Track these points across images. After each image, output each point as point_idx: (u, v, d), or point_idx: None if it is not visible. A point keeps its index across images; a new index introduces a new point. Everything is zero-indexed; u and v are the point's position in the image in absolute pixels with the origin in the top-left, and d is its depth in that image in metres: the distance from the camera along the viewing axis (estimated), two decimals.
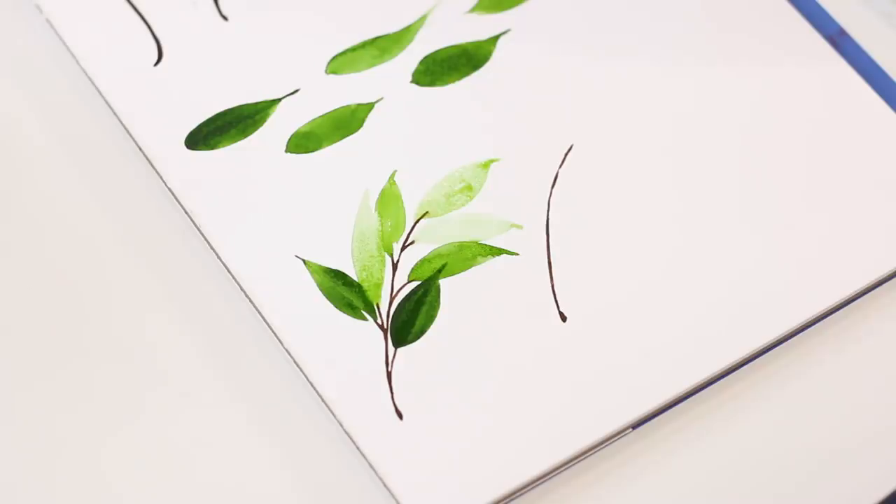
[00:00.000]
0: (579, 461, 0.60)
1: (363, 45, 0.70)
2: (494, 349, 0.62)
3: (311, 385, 0.61)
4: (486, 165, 0.67)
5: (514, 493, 0.59)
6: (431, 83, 0.69)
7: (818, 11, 0.72)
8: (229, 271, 0.64)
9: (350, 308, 0.63)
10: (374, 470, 0.60)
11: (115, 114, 0.68)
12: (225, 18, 0.71)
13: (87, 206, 0.66)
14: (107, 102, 0.68)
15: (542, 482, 0.60)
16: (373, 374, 0.61)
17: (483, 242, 0.65)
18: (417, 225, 0.65)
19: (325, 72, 0.70)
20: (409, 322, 0.63)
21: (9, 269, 0.64)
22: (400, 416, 0.60)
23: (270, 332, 0.63)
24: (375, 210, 0.65)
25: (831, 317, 0.64)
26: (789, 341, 0.63)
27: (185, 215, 0.65)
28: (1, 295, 0.64)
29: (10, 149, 0.67)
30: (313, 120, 0.68)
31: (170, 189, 0.66)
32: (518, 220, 0.65)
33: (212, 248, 0.64)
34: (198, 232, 0.65)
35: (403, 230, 0.65)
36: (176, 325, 0.63)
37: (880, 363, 0.63)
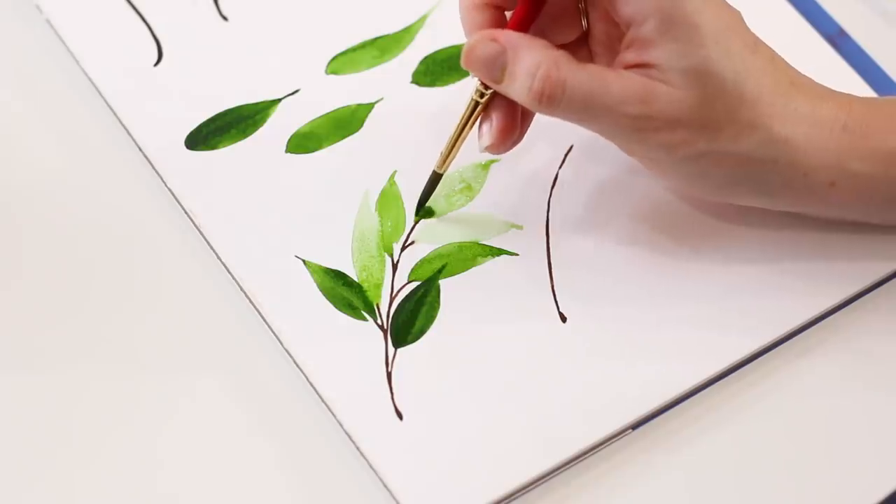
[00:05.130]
0: (579, 461, 0.60)
1: (363, 45, 0.70)
2: (494, 349, 0.62)
3: (311, 385, 0.61)
4: (486, 166, 0.67)
5: (514, 493, 0.59)
6: (431, 83, 0.69)
7: (818, 11, 0.72)
8: (229, 271, 0.64)
9: (350, 308, 0.63)
10: (374, 470, 0.60)
11: (115, 114, 0.68)
12: (225, 18, 0.71)
13: (87, 205, 0.66)
14: (107, 102, 0.68)
15: (542, 482, 0.60)
16: (373, 374, 0.61)
17: (483, 242, 0.65)
18: (417, 225, 0.65)
19: (325, 72, 0.70)
20: (409, 322, 0.63)
21: (9, 268, 0.64)
22: (400, 416, 0.60)
23: (270, 332, 0.63)
24: (375, 210, 0.65)
25: (831, 317, 0.64)
26: (789, 342, 0.63)
27: (185, 215, 0.65)
28: (1, 294, 0.64)
29: (10, 148, 0.67)
30: (313, 120, 0.68)
31: (170, 189, 0.66)
32: (518, 220, 0.66)
33: (212, 248, 0.64)
34: (198, 232, 0.65)
35: (403, 230, 0.65)
36: (175, 326, 0.63)
37: (881, 364, 0.63)
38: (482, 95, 0.61)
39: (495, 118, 0.61)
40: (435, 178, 0.64)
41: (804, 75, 0.61)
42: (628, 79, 0.58)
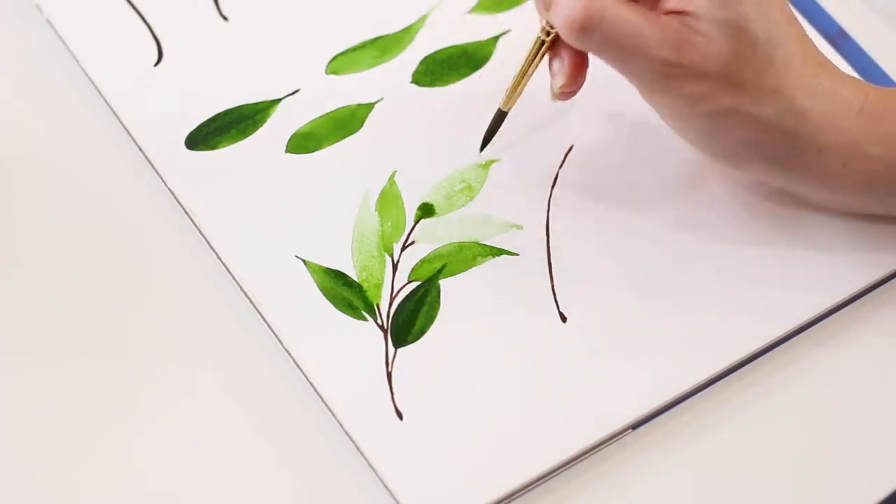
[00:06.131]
0: (579, 461, 0.60)
1: (363, 45, 0.70)
2: (494, 349, 0.62)
3: (311, 385, 0.61)
4: (486, 165, 0.67)
5: (513, 493, 0.59)
6: (431, 83, 0.69)
7: (818, 11, 0.72)
8: (229, 271, 0.64)
9: (350, 308, 0.63)
10: (374, 470, 0.60)
11: (115, 114, 0.68)
12: (225, 18, 0.71)
13: (86, 205, 0.66)
14: (107, 102, 0.68)
15: (542, 482, 0.60)
16: (373, 374, 0.61)
17: (483, 242, 0.65)
18: (417, 225, 0.65)
19: (325, 72, 0.70)
20: (409, 322, 0.63)
21: (9, 268, 0.64)
22: (400, 416, 0.60)
23: (270, 332, 0.63)
24: (375, 210, 0.65)
25: (832, 317, 0.64)
26: (789, 342, 0.63)
27: (185, 215, 0.65)
28: (2, 294, 0.64)
29: (10, 148, 0.67)
30: (313, 120, 0.68)
31: (170, 189, 0.66)
32: (518, 220, 0.65)
33: (212, 248, 0.65)
34: (198, 232, 0.65)
35: (403, 230, 0.65)
36: (175, 325, 0.63)
37: (881, 363, 0.63)
38: (548, 33, 0.62)
39: (566, 56, 0.62)
40: (500, 116, 0.65)
41: (827, 58, 0.61)
42: (666, 24, 0.58)
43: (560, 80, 0.62)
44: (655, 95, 0.60)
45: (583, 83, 0.63)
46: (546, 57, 0.63)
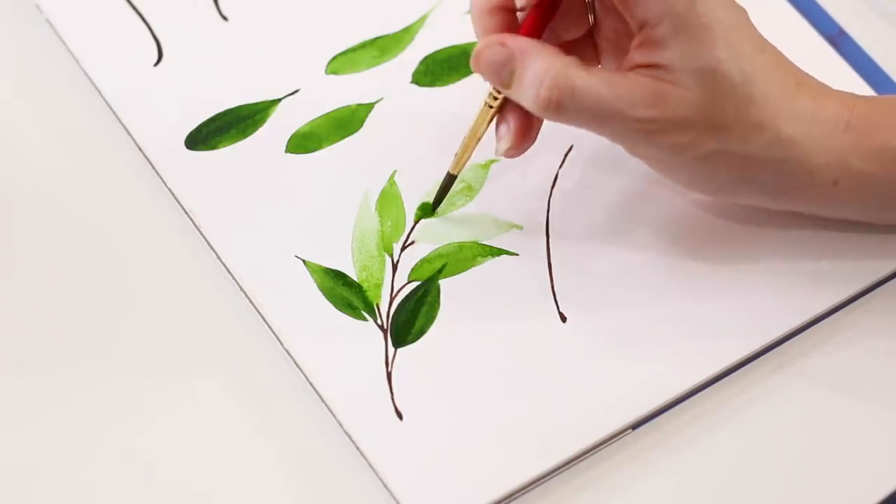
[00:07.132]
0: (579, 461, 0.60)
1: (363, 45, 0.70)
2: (494, 349, 0.62)
3: (311, 385, 0.61)
4: (486, 166, 0.67)
5: (514, 493, 0.59)
6: (431, 83, 0.69)
7: (818, 11, 0.72)
8: (229, 271, 0.64)
9: (350, 308, 0.63)
10: (374, 470, 0.60)
11: (115, 114, 0.68)
12: (225, 18, 0.71)
13: (86, 205, 0.66)
14: (107, 102, 0.68)
15: (542, 482, 0.60)
16: (373, 374, 0.61)
17: (483, 242, 0.65)
18: (417, 225, 0.65)
19: (325, 72, 0.70)
20: (409, 322, 0.63)
21: (9, 268, 0.64)
22: (400, 416, 0.60)
23: (270, 332, 0.63)
24: (375, 210, 0.65)
25: (831, 317, 0.64)
26: (789, 342, 0.63)
27: (185, 215, 0.65)
28: (2, 294, 0.64)
29: (10, 148, 0.67)
30: (313, 120, 0.68)
31: (170, 189, 0.66)
32: (518, 220, 0.66)
33: (212, 248, 0.65)
34: (198, 232, 0.65)
35: (403, 230, 0.65)
36: (175, 325, 0.63)
37: (881, 364, 0.63)
38: (495, 99, 0.61)
39: (511, 120, 0.61)
40: (449, 180, 0.64)
41: (808, 74, 0.61)
42: (637, 81, 0.58)
43: (505, 145, 0.62)
44: (640, 150, 0.60)
45: (532, 142, 0.62)
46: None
